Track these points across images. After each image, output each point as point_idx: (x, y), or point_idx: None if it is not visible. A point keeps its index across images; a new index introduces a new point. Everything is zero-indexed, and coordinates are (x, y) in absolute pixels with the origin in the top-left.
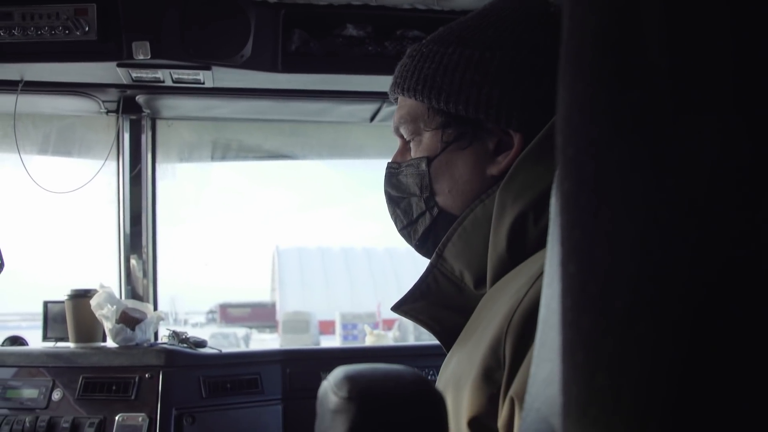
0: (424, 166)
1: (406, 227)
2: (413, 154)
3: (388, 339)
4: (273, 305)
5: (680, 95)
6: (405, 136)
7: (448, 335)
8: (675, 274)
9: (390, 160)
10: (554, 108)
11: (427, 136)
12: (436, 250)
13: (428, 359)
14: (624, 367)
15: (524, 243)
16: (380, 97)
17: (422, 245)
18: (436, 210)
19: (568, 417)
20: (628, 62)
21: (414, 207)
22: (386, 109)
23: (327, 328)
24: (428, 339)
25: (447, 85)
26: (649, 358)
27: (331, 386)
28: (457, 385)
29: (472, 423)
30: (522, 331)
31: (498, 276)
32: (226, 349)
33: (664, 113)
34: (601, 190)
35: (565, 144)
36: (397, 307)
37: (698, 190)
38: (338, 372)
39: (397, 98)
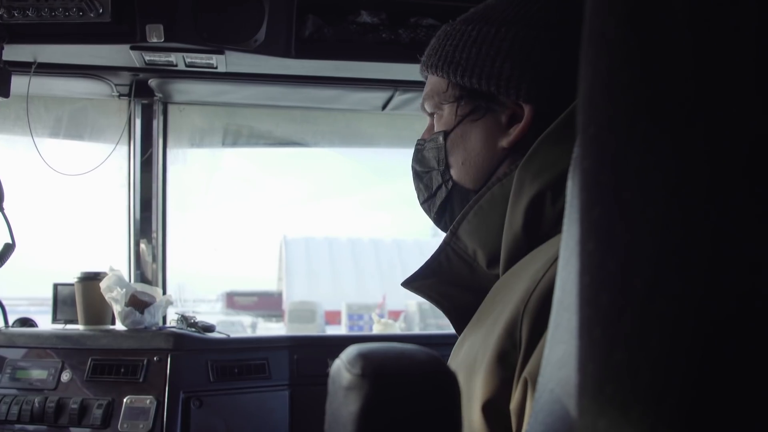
0: (441, 139)
1: (427, 200)
2: (435, 128)
3: (396, 328)
4: (279, 294)
5: (704, 76)
6: (428, 110)
7: (458, 313)
8: (695, 252)
9: (419, 138)
10: (564, 81)
11: (445, 110)
12: (451, 227)
13: (436, 348)
14: (642, 345)
15: (540, 223)
16: (393, 85)
17: (440, 218)
18: (450, 183)
19: (584, 394)
20: (652, 41)
21: (433, 180)
22: (398, 98)
23: (333, 318)
24: (435, 329)
25: (464, 60)
26: (667, 335)
27: (344, 363)
28: (471, 368)
29: (486, 406)
30: (538, 313)
31: (512, 256)
32: (234, 335)
33: (688, 93)
34: (621, 168)
35: (586, 122)
36: (408, 283)
37: (719, 170)
38: (351, 350)
39: (426, 77)
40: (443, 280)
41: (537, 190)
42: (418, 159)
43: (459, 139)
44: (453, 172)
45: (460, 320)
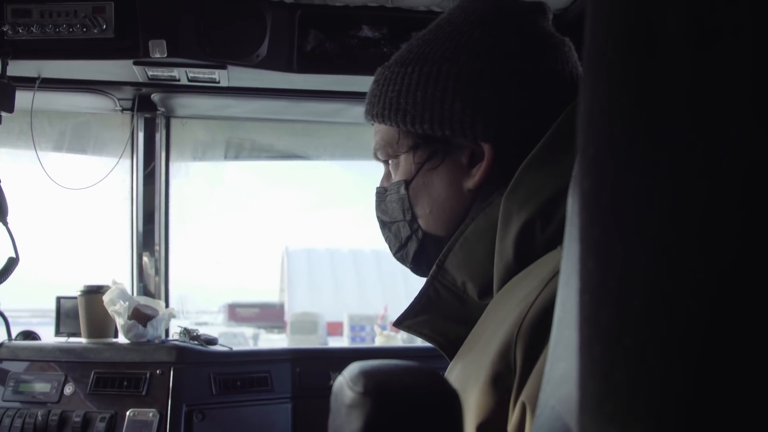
0: (403, 190)
1: (399, 251)
2: (393, 178)
3: (398, 340)
4: (281, 306)
5: (702, 98)
6: (382, 159)
7: (453, 349)
8: (693, 272)
9: (378, 185)
10: (520, 111)
11: (402, 159)
12: (437, 261)
13: (438, 360)
14: (642, 363)
15: (532, 251)
16: None
17: (417, 268)
18: (420, 233)
19: (585, 412)
20: (651, 63)
21: (401, 231)
22: None
23: (335, 329)
24: None
25: (410, 106)
26: (666, 354)
27: (346, 381)
28: (463, 390)
29: (482, 429)
30: (533, 335)
31: (505, 285)
32: (236, 348)
33: (686, 114)
34: (621, 189)
35: (585, 143)
36: (399, 323)
37: (717, 191)
38: (353, 367)
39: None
40: (435, 316)
41: (525, 219)
42: (382, 209)
43: (422, 188)
44: (421, 222)
45: (455, 354)
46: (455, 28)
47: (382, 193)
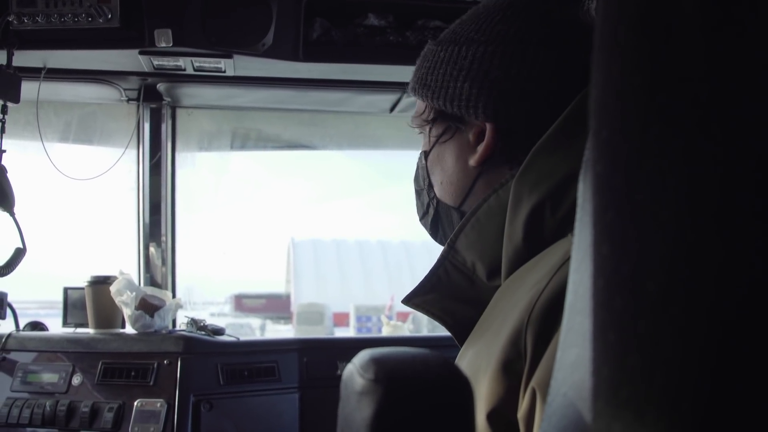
0: (423, 160)
1: (423, 217)
2: (422, 148)
3: (405, 329)
4: (288, 296)
5: (716, 78)
6: (417, 130)
7: (461, 328)
8: (710, 255)
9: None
10: (526, 96)
11: (426, 131)
12: (448, 241)
13: (444, 350)
14: (656, 349)
15: (541, 234)
16: (400, 87)
17: (435, 234)
18: (435, 201)
19: (599, 399)
20: (664, 45)
21: (423, 198)
22: (406, 100)
23: (341, 320)
24: (444, 331)
25: (433, 82)
26: (681, 339)
27: (356, 368)
28: (474, 377)
29: (492, 415)
30: (544, 322)
31: (513, 268)
32: (243, 338)
33: (700, 96)
34: (635, 172)
35: (598, 126)
36: (408, 300)
37: (733, 173)
38: (364, 354)
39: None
40: (444, 295)
41: (536, 201)
42: (414, 176)
43: (436, 160)
44: (436, 191)
45: (464, 335)
46: (485, 10)
47: (418, 162)
